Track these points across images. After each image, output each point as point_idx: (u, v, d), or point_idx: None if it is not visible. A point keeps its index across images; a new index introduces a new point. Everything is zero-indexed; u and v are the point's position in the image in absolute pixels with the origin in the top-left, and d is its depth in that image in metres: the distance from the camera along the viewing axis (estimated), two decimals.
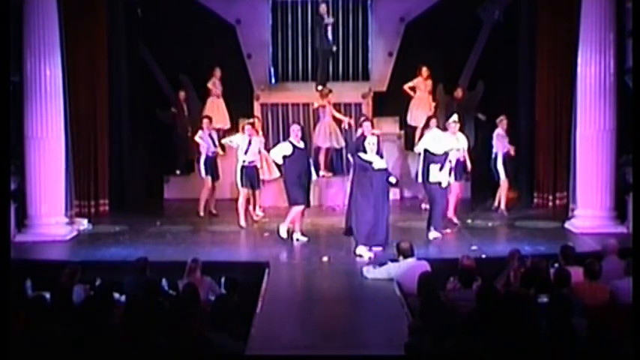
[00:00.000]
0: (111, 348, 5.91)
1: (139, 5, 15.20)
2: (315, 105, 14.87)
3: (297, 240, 11.38)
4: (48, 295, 7.44)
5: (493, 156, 13.53)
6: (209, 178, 13.57)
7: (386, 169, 10.73)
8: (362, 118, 13.27)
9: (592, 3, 11.61)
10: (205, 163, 13.59)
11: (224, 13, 15.97)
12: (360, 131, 12.45)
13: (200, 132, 13.69)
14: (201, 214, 13.51)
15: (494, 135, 13.57)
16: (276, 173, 13.11)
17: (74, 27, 12.67)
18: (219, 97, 15.30)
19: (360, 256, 10.38)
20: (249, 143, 12.62)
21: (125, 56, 14.48)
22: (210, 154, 13.62)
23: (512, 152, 13.48)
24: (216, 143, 13.75)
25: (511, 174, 13.64)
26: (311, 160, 12.00)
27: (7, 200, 8.72)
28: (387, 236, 10.51)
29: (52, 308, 6.89)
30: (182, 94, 15.71)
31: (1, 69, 9.08)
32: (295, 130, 11.52)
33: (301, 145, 11.42)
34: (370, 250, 10.41)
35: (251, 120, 13.54)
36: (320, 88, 15.15)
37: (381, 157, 10.85)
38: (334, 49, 15.81)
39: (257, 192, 13.22)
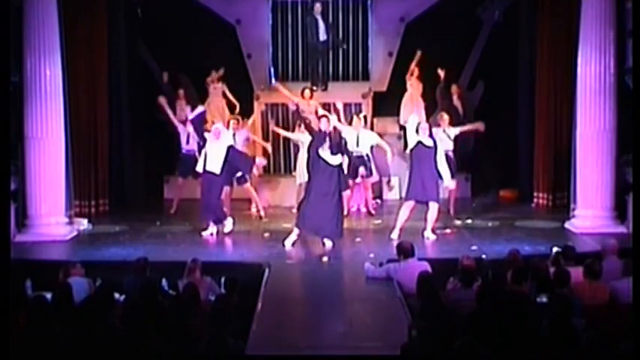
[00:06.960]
0: (111, 348, 5.91)
1: (139, 5, 15.20)
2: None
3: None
4: (48, 295, 7.45)
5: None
6: (179, 178, 13.63)
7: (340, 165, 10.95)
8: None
9: (592, 3, 11.61)
10: (181, 161, 13.62)
11: (224, 13, 15.95)
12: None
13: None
14: (172, 211, 13.61)
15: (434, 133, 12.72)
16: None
17: (74, 27, 12.68)
18: (218, 97, 15.28)
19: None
20: (233, 137, 12.79)
21: (125, 56, 14.48)
22: (185, 152, 13.57)
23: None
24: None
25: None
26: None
27: (7, 200, 8.72)
28: (338, 230, 10.94)
29: (52, 308, 6.90)
30: (180, 93, 15.71)
31: (1, 69, 9.09)
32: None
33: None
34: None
35: (236, 116, 13.97)
36: (315, 88, 15.16)
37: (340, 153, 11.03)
38: (344, 46, 16.00)
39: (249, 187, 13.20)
